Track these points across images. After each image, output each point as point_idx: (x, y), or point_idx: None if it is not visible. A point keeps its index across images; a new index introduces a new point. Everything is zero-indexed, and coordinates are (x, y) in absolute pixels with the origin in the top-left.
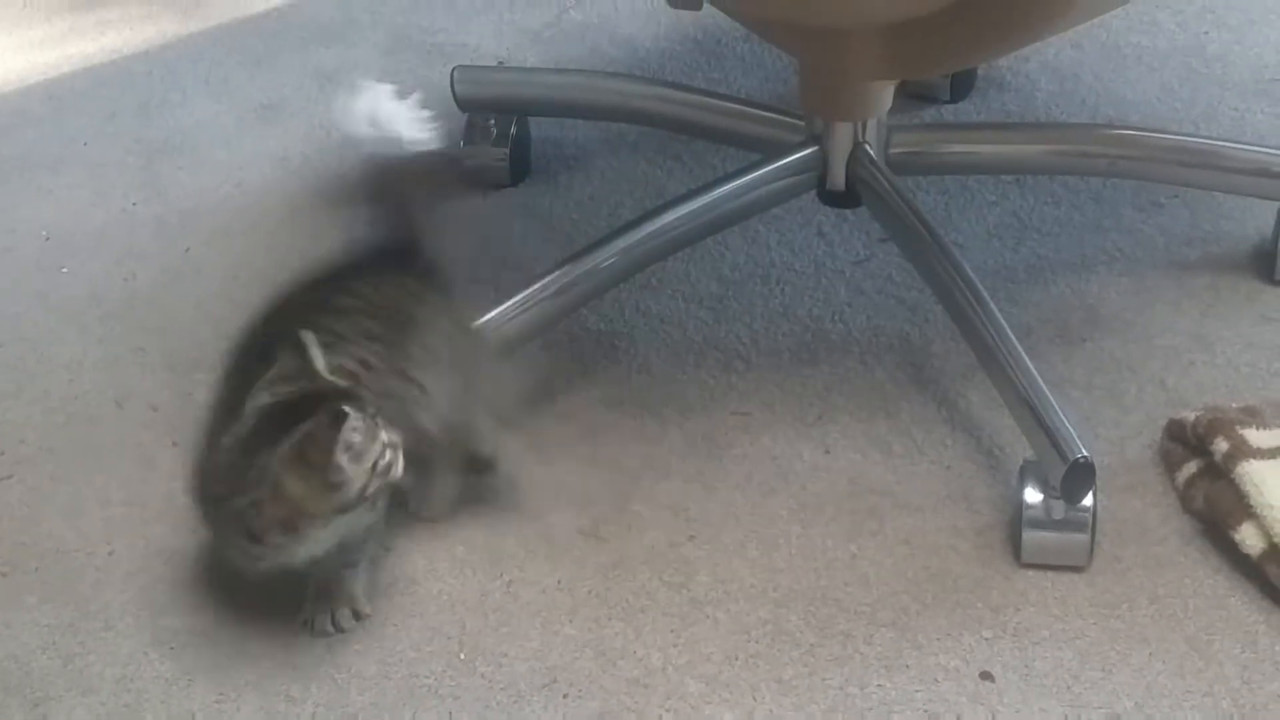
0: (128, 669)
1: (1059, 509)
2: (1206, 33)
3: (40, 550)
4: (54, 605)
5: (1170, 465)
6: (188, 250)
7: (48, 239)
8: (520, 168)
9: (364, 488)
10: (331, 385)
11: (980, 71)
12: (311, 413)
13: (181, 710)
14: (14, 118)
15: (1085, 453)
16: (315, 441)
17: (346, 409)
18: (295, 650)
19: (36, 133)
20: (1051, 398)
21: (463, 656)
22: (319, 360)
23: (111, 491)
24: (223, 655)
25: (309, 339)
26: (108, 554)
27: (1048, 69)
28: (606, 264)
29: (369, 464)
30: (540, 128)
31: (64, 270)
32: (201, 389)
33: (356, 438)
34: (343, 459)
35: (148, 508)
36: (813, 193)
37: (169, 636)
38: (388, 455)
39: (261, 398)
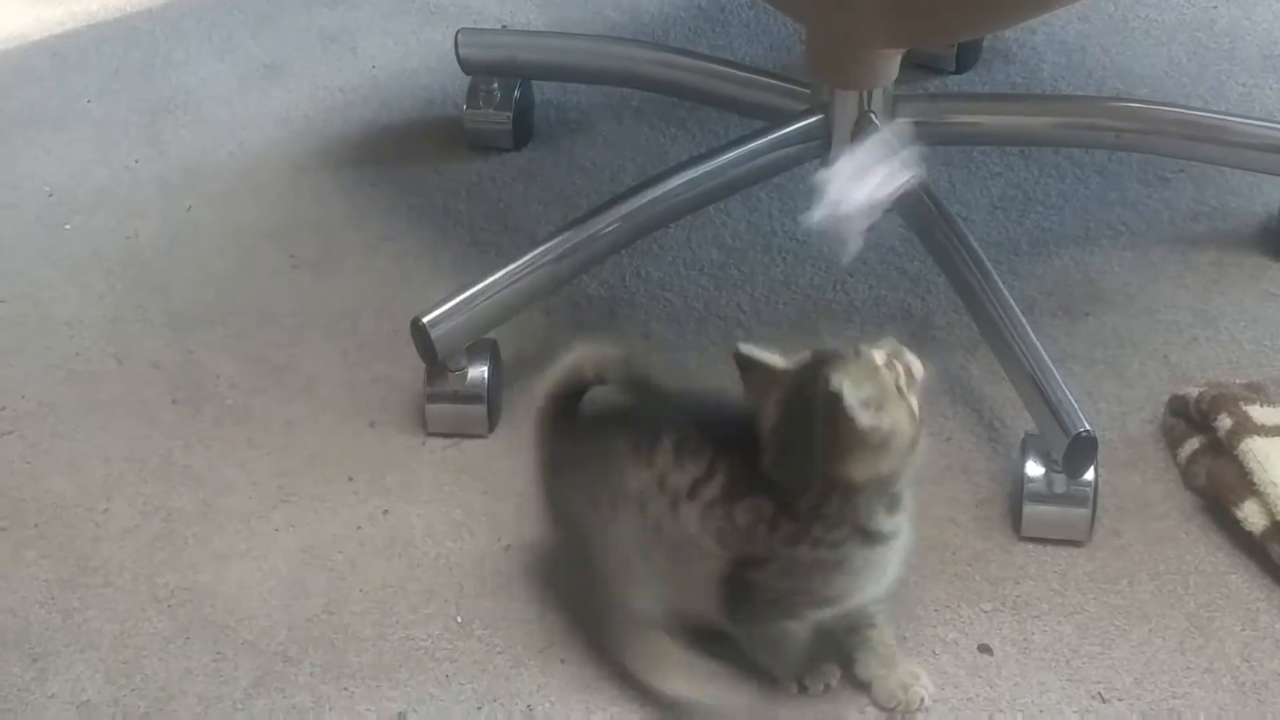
0: (126, 625)
1: (1060, 483)
2: (1215, 7)
3: (40, 506)
4: (53, 561)
5: (1172, 441)
6: (190, 209)
7: (50, 196)
8: (523, 132)
9: (910, 415)
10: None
11: (986, 43)
12: (803, 415)
13: (179, 667)
14: (17, 74)
15: (1088, 427)
16: (834, 425)
17: (825, 375)
18: (292, 611)
19: (40, 89)
20: (1054, 371)
21: (460, 620)
22: (770, 358)
23: (112, 448)
24: (221, 613)
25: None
26: (107, 510)
27: (1054, 41)
28: (608, 230)
29: (892, 389)
30: (543, 92)
31: (66, 227)
32: (202, 347)
33: (862, 389)
34: (865, 416)
35: (147, 465)
36: (816, 161)
37: (167, 594)
38: (897, 366)
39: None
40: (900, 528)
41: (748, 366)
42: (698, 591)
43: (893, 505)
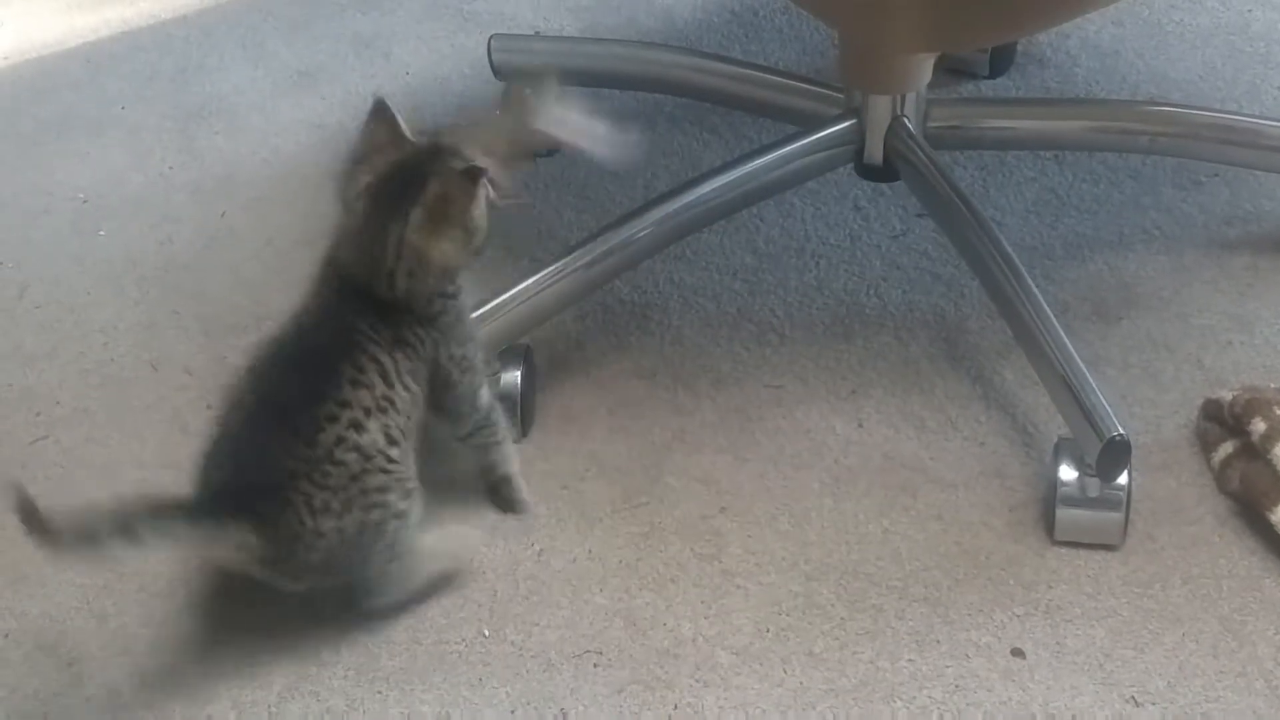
0: (161, 630)
1: (1094, 487)
2: (1250, 10)
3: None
4: (89, 566)
5: (1206, 445)
6: (223, 215)
7: (85, 202)
8: None
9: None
10: (429, 145)
11: (1020, 47)
12: (418, 178)
13: (214, 671)
14: (52, 81)
15: (1121, 431)
16: (449, 200)
17: (478, 165)
18: (327, 615)
19: (74, 96)
20: (1088, 375)
21: (493, 624)
22: (404, 125)
23: (146, 454)
24: (256, 618)
25: (385, 104)
26: None
27: (1088, 45)
28: (641, 235)
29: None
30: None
31: (101, 233)
32: (236, 353)
33: (490, 190)
34: (477, 212)
35: (181, 470)
36: (850, 166)
37: (203, 599)
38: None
39: (360, 179)
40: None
41: (381, 119)
42: (418, 423)
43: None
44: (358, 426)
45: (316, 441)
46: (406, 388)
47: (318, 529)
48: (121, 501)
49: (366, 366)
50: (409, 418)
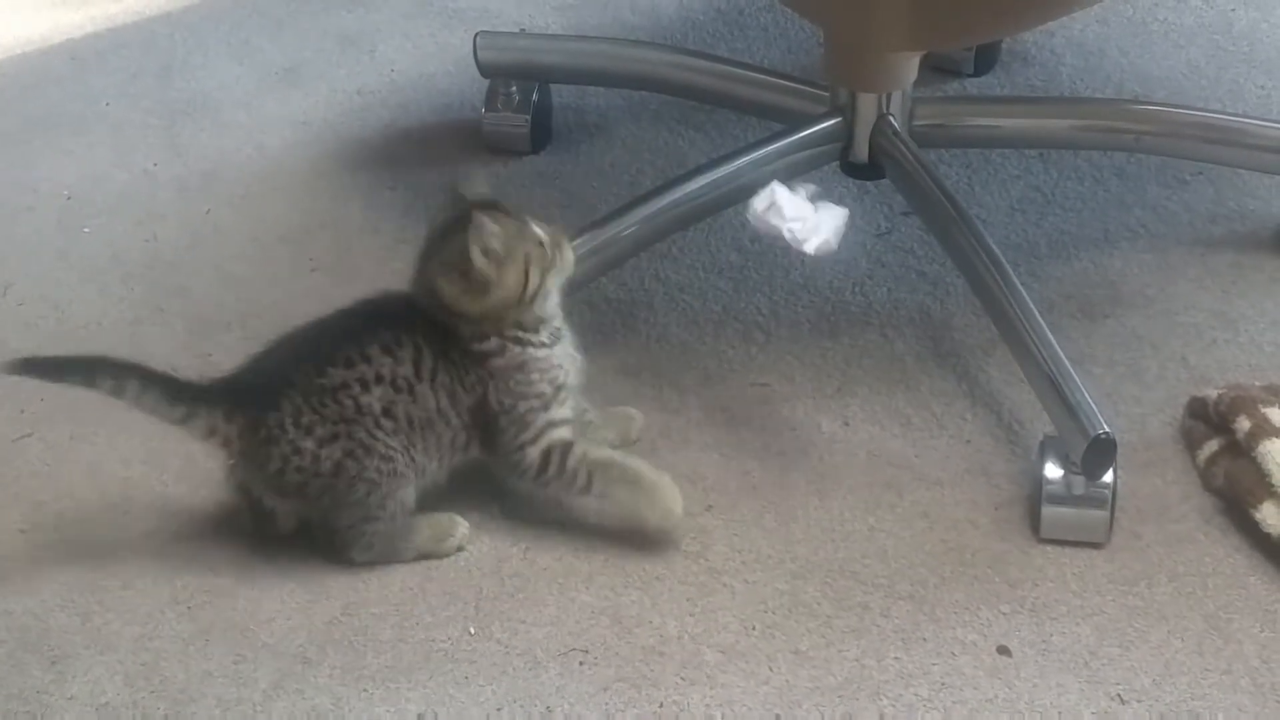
0: (146, 628)
1: (1079, 485)
2: (1234, 10)
3: (59, 508)
4: (72, 564)
5: (1191, 443)
6: (208, 212)
7: (69, 199)
8: (541, 135)
9: (523, 284)
10: (475, 201)
11: (1005, 46)
12: (463, 220)
13: (198, 670)
14: (37, 77)
15: (1106, 428)
16: (459, 248)
17: (477, 214)
18: (311, 613)
19: (59, 93)
20: (1073, 373)
21: (479, 622)
22: (469, 189)
23: (130, 451)
24: (240, 616)
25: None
26: (126, 513)
27: (1073, 44)
28: (627, 233)
29: (519, 262)
30: (562, 95)
31: (85, 230)
32: (221, 350)
33: (492, 241)
34: (479, 259)
35: (166, 468)
36: (835, 164)
37: (187, 596)
38: (547, 252)
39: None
40: (552, 339)
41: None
42: (454, 448)
43: (533, 326)
44: (364, 384)
45: (326, 373)
46: (435, 393)
47: (296, 444)
48: (125, 360)
49: (404, 344)
50: (429, 423)
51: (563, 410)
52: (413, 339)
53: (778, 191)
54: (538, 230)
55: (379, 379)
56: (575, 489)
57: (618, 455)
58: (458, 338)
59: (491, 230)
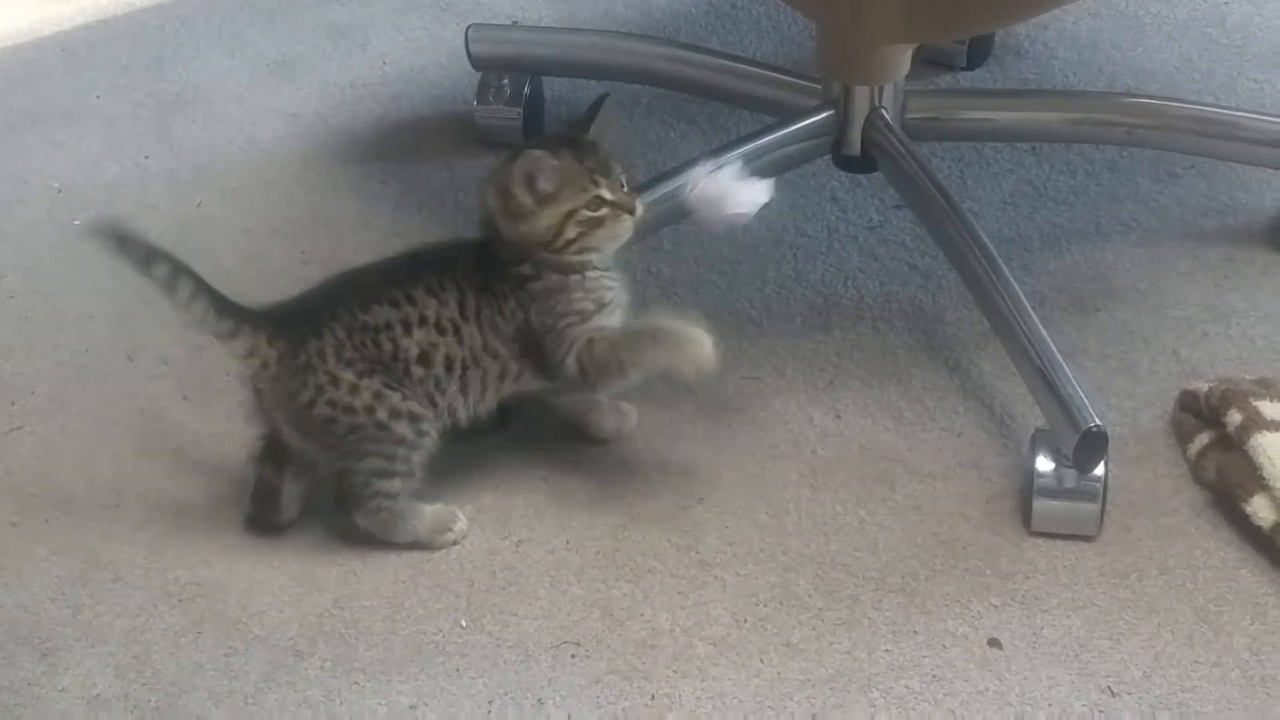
0: (137, 620)
1: (1070, 478)
2: (1227, 3)
3: (51, 501)
4: (64, 556)
5: (1182, 436)
6: (200, 204)
7: (60, 191)
8: (534, 127)
9: (556, 233)
10: (581, 133)
11: (998, 38)
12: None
13: (190, 662)
14: (27, 69)
15: (1098, 422)
16: (503, 168)
17: (545, 146)
18: (303, 605)
19: (50, 85)
20: (1065, 366)
21: (471, 615)
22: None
23: (122, 444)
24: (231, 608)
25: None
26: (117, 506)
27: (1066, 37)
28: None
29: (560, 210)
30: (554, 88)
31: (76, 223)
32: (212, 343)
33: (539, 176)
34: (519, 189)
35: (158, 460)
36: (827, 157)
37: (178, 589)
38: (599, 210)
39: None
40: (599, 265)
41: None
42: (504, 379)
43: (574, 268)
44: (407, 326)
45: (370, 310)
46: (481, 331)
47: (334, 375)
48: (186, 263)
49: (448, 286)
50: (475, 360)
51: (610, 321)
52: (455, 280)
53: (704, 173)
54: (604, 190)
55: (423, 321)
56: (615, 375)
57: (636, 322)
58: (498, 262)
59: (542, 166)
